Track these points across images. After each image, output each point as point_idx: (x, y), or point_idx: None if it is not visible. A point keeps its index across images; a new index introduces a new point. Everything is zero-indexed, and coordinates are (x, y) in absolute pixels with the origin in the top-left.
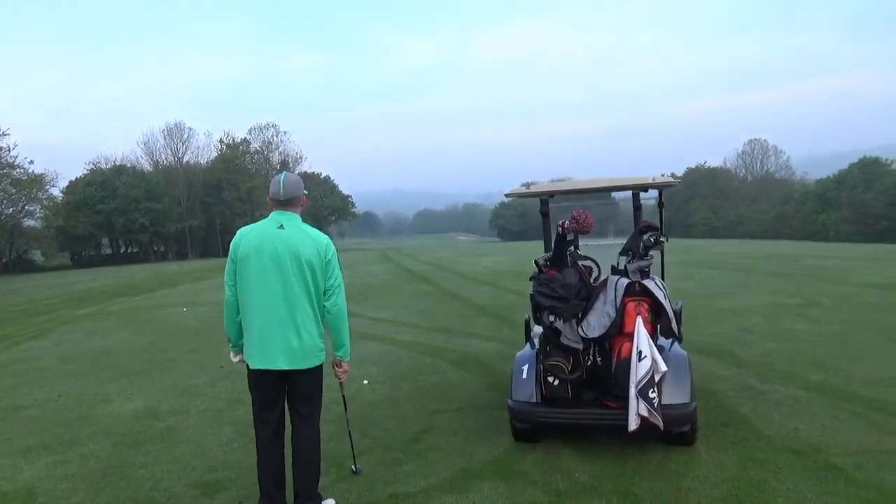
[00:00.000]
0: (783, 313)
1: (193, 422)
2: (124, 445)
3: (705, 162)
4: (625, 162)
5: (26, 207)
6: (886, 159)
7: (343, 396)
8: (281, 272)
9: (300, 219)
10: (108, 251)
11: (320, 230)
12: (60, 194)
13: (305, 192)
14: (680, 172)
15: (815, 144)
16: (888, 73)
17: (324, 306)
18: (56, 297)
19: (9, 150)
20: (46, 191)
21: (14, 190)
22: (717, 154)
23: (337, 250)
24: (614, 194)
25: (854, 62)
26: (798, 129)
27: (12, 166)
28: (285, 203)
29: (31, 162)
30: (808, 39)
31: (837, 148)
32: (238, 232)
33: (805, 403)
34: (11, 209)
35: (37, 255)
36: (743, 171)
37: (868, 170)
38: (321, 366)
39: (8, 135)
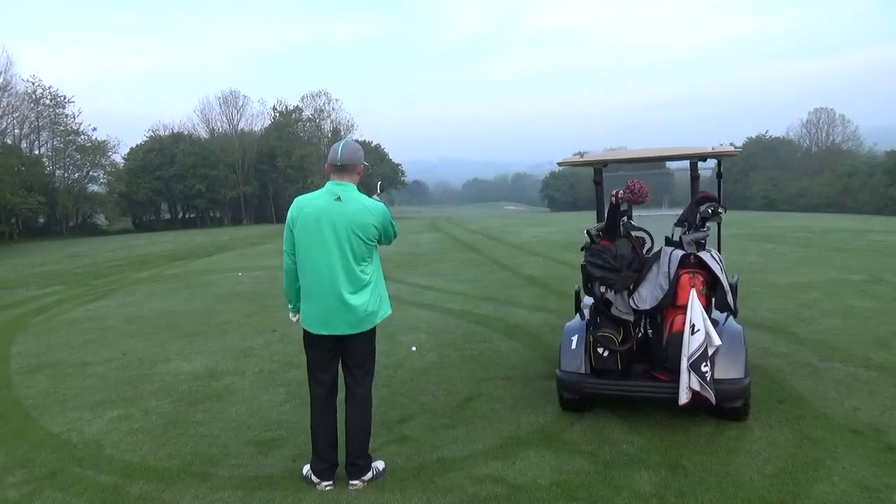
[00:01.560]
0: (845, 289)
1: (248, 382)
2: (184, 403)
3: (767, 131)
4: (682, 132)
5: (90, 173)
6: None
7: None
8: (339, 244)
9: (356, 189)
10: (167, 216)
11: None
12: (122, 160)
13: (366, 163)
14: (740, 143)
15: (887, 114)
16: None
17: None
18: (118, 259)
19: (73, 118)
20: (109, 157)
21: (79, 156)
22: (780, 124)
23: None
24: (669, 164)
25: None
26: (869, 99)
27: (77, 133)
28: (341, 169)
29: (95, 129)
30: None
31: None
32: (295, 201)
33: (866, 382)
34: (77, 174)
35: (101, 220)
36: (807, 141)
37: None
38: (375, 328)
39: (72, 102)
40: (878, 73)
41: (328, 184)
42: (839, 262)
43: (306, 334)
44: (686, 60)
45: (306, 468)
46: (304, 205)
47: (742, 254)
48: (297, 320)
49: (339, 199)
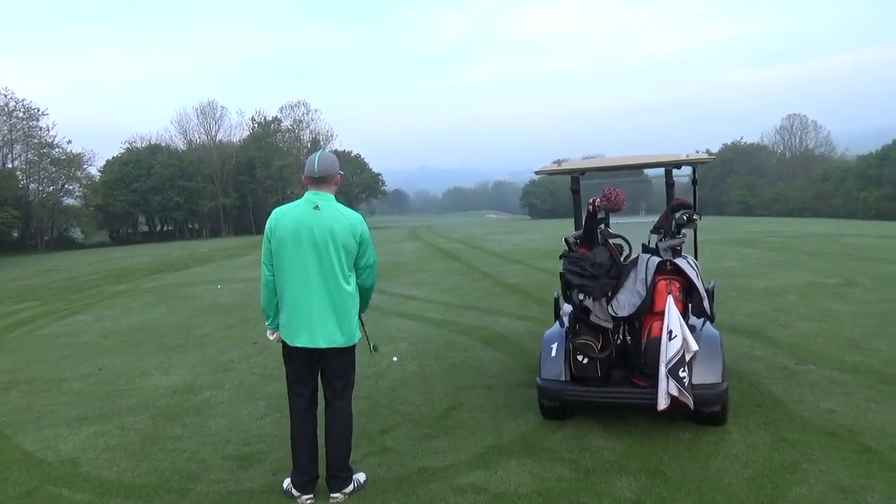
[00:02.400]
0: (820, 293)
1: (228, 396)
2: (162, 418)
3: (742, 138)
4: (660, 137)
5: (66, 186)
6: None
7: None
8: (318, 254)
9: (334, 199)
10: (145, 229)
11: (352, 208)
12: (98, 173)
13: (341, 172)
14: (715, 149)
15: (858, 120)
16: None
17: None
18: (95, 273)
19: (48, 130)
20: (85, 170)
21: (54, 169)
22: (755, 130)
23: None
24: (647, 171)
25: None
26: (841, 105)
27: (51, 146)
28: (319, 181)
29: (70, 141)
30: (849, 7)
31: (883, 123)
32: (273, 213)
33: (841, 385)
34: (52, 188)
35: (77, 233)
36: (781, 147)
37: None
38: (355, 344)
39: (46, 114)
40: (849, 80)
41: (306, 194)
42: (814, 266)
43: (285, 347)
44: (662, 68)
45: (287, 482)
46: (281, 216)
47: (719, 259)
48: (276, 338)
49: (317, 207)
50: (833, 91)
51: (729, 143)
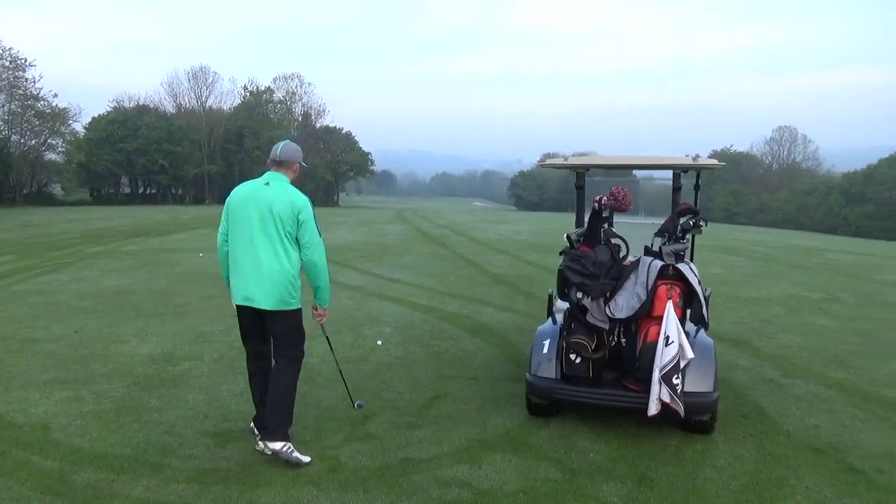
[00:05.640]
0: (804, 306)
1: (207, 369)
2: (138, 387)
3: (731, 146)
4: (652, 139)
5: (49, 140)
6: None
7: (327, 338)
8: (258, 221)
9: (288, 181)
10: (127, 190)
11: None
12: (83, 130)
13: (304, 164)
14: (704, 155)
15: (847, 139)
16: None
17: (303, 260)
18: (74, 232)
19: (34, 82)
20: (69, 125)
21: (38, 122)
22: (745, 139)
23: (315, 212)
24: (637, 173)
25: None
26: (831, 122)
27: (36, 98)
28: (279, 164)
29: (56, 95)
30: (854, 23)
31: (870, 143)
32: (234, 189)
33: (825, 401)
34: (34, 141)
35: (57, 189)
36: (769, 158)
37: None
38: (295, 311)
39: (33, 66)
40: (841, 99)
41: (265, 174)
42: (797, 279)
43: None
44: (660, 71)
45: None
46: (237, 189)
47: (706, 265)
48: None
49: (267, 184)
50: (825, 107)
51: (718, 151)
